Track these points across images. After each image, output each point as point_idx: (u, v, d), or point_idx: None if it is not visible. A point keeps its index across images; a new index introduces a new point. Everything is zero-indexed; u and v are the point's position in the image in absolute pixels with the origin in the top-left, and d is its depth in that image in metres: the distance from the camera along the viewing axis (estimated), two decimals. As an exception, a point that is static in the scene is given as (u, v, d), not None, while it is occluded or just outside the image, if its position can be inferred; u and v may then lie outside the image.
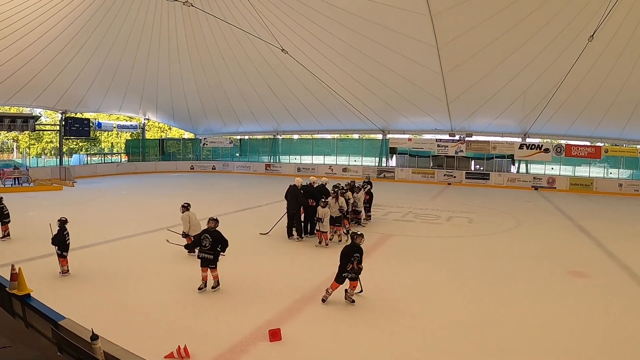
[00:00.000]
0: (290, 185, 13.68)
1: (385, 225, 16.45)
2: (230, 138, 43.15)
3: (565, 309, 8.17)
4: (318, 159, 40.03)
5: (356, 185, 15.92)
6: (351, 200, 15.01)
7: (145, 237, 13.86)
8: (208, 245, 8.69)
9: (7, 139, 48.33)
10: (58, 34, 27.60)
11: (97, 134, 44.46)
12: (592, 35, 22.07)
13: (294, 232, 13.52)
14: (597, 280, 10.12)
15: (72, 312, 5.06)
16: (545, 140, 32.79)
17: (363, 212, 16.29)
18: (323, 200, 13.03)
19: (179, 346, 6.05)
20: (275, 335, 6.63)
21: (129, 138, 45.32)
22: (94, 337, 3.52)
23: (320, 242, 12.81)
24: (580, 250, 13.28)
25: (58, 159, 37.55)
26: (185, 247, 10.70)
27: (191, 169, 42.90)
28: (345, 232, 13.66)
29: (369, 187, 17.21)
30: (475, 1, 22.37)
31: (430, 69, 27.64)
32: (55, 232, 9.63)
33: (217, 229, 8.93)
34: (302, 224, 13.93)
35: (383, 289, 9.18)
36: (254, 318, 7.45)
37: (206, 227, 8.99)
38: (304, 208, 13.71)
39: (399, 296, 8.79)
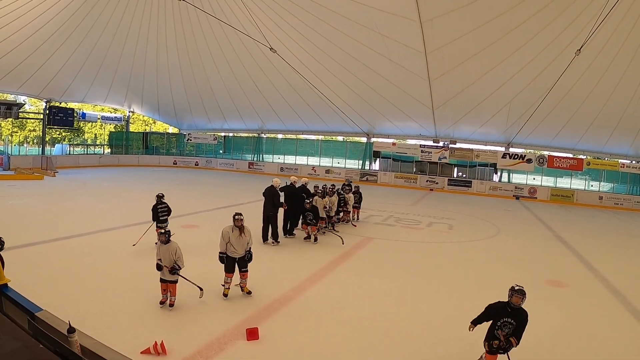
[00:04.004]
0: (268, 186, 13.24)
1: (366, 228, 16.49)
2: (214, 135, 42.92)
3: (541, 317, 8.26)
4: (301, 160, 40.02)
5: (328, 188, 15.57)
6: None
7: (126, 230, 13.72)
8: None
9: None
10: (46, 21, 27.27)
11: (81, 125, 44.00)
12: (580, 49, 22.34)
13: (273, 235, 13.06)
14: (575, 290, 10.26)
15: (50, 304, 5.04)
16: (528, 151, 33.24)
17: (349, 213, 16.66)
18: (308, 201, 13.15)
19: (155, 342, 6.05)
20: (252, 334, 6.64)
21: (113, 130, 44.88)
22: (71, 329, 3.52)
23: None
24: (558, 260, 13.44)
25: (40, 148, 37.12)
26: None
27: (174, 164, 42.66)
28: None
29: (348, 189, 17.05)
30: (465, 10, 22.48)
31: (417, 75, 27.72)
32: None
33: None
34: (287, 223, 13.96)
35: (361, 291, 9.23)
36: (231, 316, 7.47)
37: None
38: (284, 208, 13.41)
39: (376, 298, 8.82)
